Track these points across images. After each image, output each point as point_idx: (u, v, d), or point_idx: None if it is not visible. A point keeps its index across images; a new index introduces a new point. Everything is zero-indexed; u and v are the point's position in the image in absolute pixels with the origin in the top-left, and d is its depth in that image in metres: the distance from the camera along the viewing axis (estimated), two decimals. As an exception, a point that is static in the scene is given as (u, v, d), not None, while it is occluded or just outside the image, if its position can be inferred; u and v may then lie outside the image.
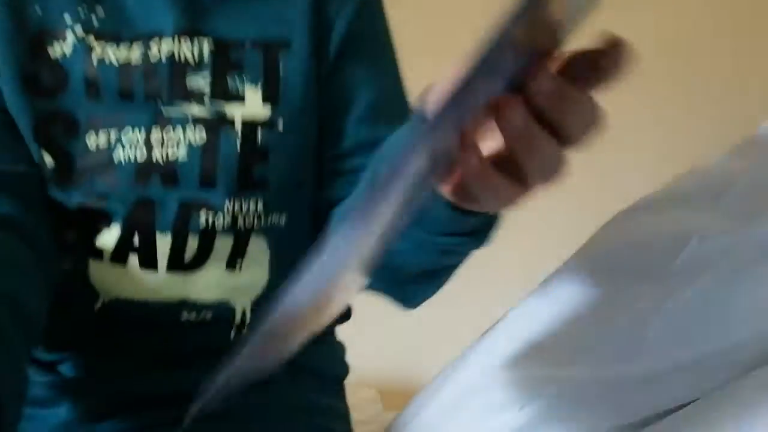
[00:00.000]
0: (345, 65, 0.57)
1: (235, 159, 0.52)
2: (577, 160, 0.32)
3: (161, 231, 0.52)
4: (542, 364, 0.50)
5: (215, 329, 0.55)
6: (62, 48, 0.53)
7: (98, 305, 0.54)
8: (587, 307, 0.51)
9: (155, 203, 0.52)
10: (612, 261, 0.53)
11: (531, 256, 0.86)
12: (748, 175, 0.49)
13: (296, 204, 0.56)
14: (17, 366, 0.45)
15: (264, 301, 0.56)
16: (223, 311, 0.55)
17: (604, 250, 0.54)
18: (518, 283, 0.60)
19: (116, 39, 0.53)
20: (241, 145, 0.53)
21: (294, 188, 0.56)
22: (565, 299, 0.52)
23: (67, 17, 0.53)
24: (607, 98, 0.29)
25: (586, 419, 0.47)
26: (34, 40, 0.52)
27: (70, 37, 0.53)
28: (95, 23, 0.53)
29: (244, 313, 0.55)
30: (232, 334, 0.56)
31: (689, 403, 0.46)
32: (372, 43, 0.60)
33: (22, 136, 0.52)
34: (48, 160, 0.52)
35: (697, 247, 0.47)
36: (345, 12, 0.57)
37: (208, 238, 0.53)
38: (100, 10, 0.54)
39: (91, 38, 0.53)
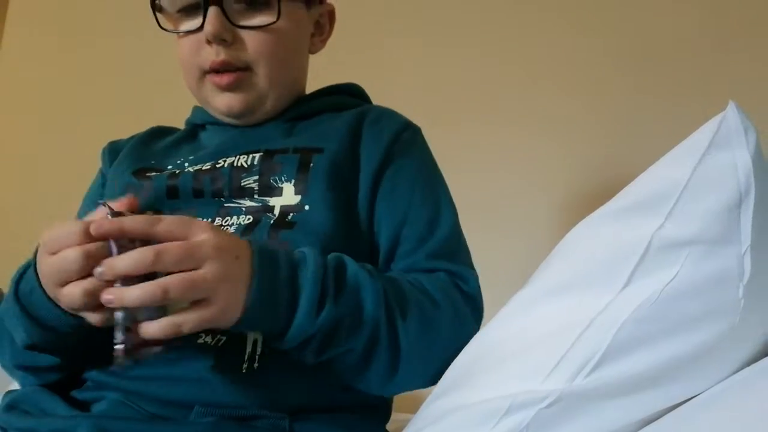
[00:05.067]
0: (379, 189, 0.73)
1: (269, 226, 0.67)
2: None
3: None
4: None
5: (228, 355, 0.61)
6: (155, 173, 0.74)
7: None
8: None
9: None
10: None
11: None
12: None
13: None
14: None
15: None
16: (236, 340, 0.61)
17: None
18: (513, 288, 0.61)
19: (195, 163, 0.74)
20: (275, 220, 0.68)
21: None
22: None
23: (171, 167, 0.75)
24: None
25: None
26: (139, 170, 0.75)
27: (165, 172, 0.73)
28: (186, 166, 0.74)
29: (255, 344, 0.61)
30: (244, 366, 0.60)
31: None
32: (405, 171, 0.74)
33: None
34: None
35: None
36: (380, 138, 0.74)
37: None
38: (192, 157, 0.75)
39: (178, 171, 0.73)
